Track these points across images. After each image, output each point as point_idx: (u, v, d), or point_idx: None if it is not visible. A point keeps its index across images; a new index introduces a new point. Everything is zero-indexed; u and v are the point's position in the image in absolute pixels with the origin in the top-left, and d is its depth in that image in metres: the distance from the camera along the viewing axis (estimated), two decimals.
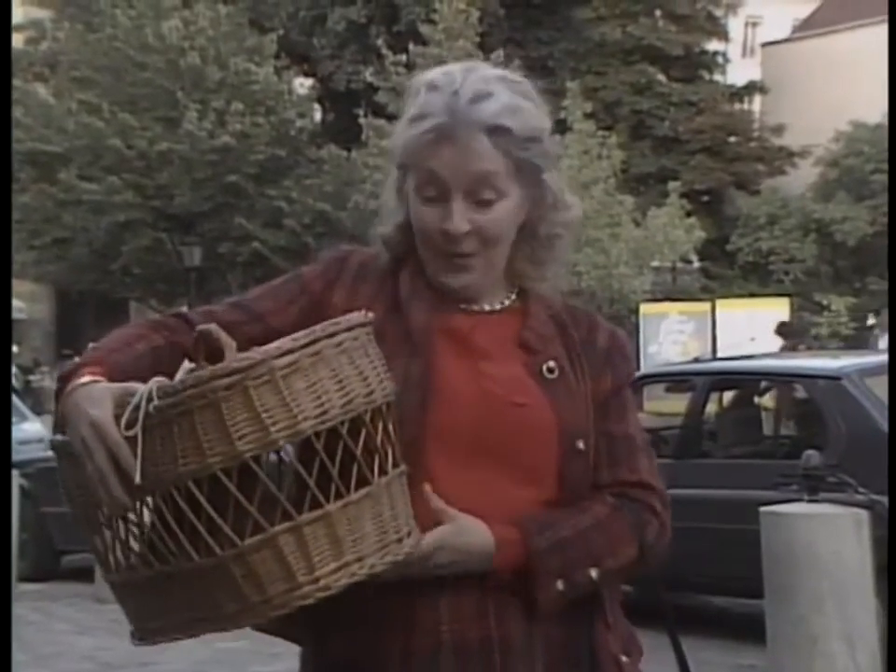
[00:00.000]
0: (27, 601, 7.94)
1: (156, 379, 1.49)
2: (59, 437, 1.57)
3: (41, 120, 25.70)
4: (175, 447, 1.45)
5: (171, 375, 1.60)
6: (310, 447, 1.49)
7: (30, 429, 10.96)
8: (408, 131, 1.69)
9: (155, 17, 26.13)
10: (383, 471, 1.53)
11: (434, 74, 1.71)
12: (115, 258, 26.52)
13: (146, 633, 1.59)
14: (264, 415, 1.44)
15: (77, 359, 1.64)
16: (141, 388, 1.49)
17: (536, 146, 1.69)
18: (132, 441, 1.46)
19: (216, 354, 1.56)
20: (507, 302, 1.76)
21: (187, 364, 1.55)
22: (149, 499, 1.50)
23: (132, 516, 1.52)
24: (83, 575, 8.61)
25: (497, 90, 1.68)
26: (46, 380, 27.87)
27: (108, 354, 1.61)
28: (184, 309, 1.77)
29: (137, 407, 1.46)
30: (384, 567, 1.51)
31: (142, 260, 26.69)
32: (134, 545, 1.55)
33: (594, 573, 1.64)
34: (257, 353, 1.47)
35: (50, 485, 10.68)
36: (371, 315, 1.59)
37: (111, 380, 1.55)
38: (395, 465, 1.56)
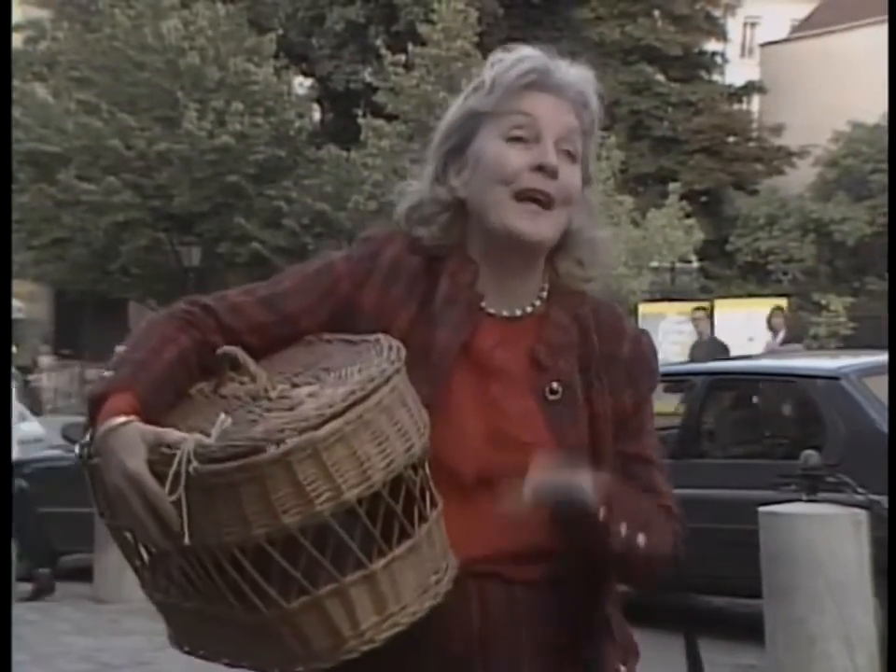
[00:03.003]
0: (25, 601, 7.94)
1: (193, 437, 1.47)
2: (93, 459, 1.56)
3: (40, 120, 25.71)
4: (218, 515, 1.45)
5: (201, 375, 1.61)
6: (353, 509, 1.48)
7: (29, 430, 10.93)
8: (499, 81, 1.68)
9: (154, 17, 26.12)
10: (423, 519, 1.53)
11: (500, 54, 1.73)
12: (114, 258, 26.51)
13: (188, 647, 1.60)
14: (308, 488, 1.44)
15: (106, 374, 1.60)
16: (176, 438, 1.48)
17: (592, 151, 1.73)
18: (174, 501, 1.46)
19: (238, 366, 1.59)
20: (538, 304, 1.72)
21: (223, 417, 1.50)
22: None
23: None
24: (81, 575, 8.59)
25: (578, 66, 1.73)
26: (44, 380, 27.86)
27: (137, 371, 1.58)
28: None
29: (178, 472, 1.45)
30: (424, 612, 1.52)
31: (141, 260, 26.69)
32: (175, 575, 1.55)
33: (641, 540, 1.62)
34: (299, 420, 1.44)
35: (49, 485, 10.58)
36: (403, 351, 1.55)
37: (144, 405, 1.54)
38: (433, 505, 1.55)
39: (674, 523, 1.70)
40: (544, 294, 1.73)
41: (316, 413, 1.45)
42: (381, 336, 1.59)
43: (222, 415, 1.50)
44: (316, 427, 1.44)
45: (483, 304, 1.69)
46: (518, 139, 1.67)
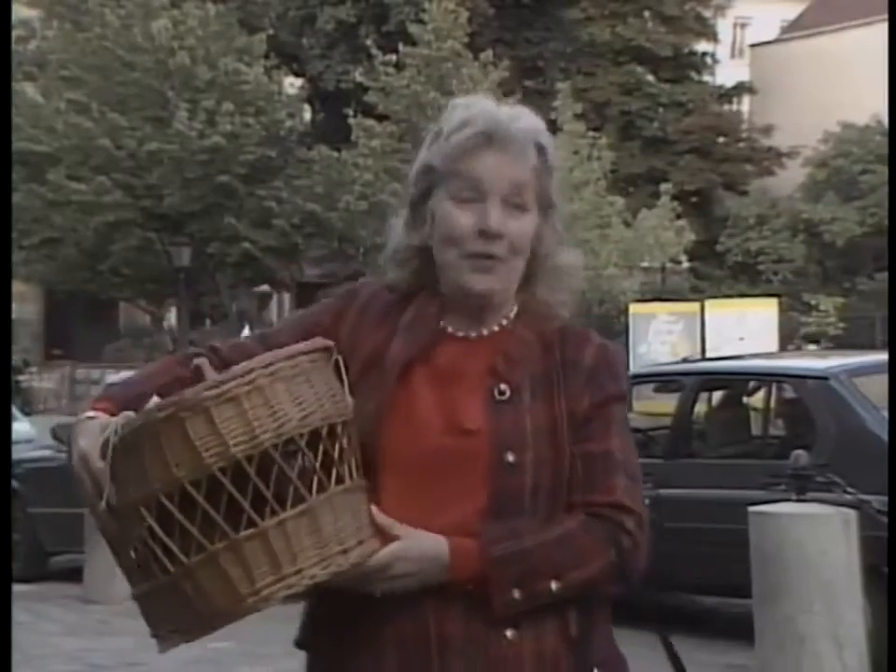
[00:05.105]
0: (16, 602, 7.90)
1: (124, 413, 1.63)
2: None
3: (30, 120, 25.66)
4: (128, 475, 1.59)
5: None
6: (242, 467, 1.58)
7: (19, 430, 10.93)
8: (448, 140, 1.76)
9: (144, 16, 26.09)
10: (322, 488, 1.61)
11: (458, 101, 1.82)
12: (104, 258, 26.48)
13: (157, 638, 1.70)
14: (197, 443, 1.55)
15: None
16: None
17: (552, 182, 1.80)
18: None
19: None
20: (504, 323, 1.80)
21: (154, 399, 1.65)
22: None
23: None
24: (72, 576, 8.58)
25: (530, 114, 1.80)
26: (34, 380, 27.81)
27: (124, 388, 1.77)
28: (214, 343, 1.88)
29: (106, 440, 1.61)
30: (324, 578, 1.59)
31: (131, 260, 26.66)
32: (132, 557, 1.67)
33: (554, 585, 1.68)
34: (201, 387, 1.59)
35: (39, 486, 10.53)
36: (328, 342, 1.69)
37: (120, 409, 1.68)
38: (339, 482, 1.63)
39: (623, 520, 1.72)
40: (512, 315, 1.81)
41: (215, 381, 1.59)
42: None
43: (155, 397, 1.63)
44: (211, 388, 1.57)
45: (446, 326, 1.80)
46: (465, 200, 1.75)
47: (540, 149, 1.77)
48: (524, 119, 1.78)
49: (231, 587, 1.57)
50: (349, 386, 1.71)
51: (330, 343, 1.69)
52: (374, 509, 1.66)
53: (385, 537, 1.66)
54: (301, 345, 1.66)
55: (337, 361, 1.70)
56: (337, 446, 1.63)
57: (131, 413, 1.62)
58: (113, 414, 1.67)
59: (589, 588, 1.72)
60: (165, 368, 1.79)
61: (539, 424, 1.73)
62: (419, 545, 1.66)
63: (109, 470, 1.59)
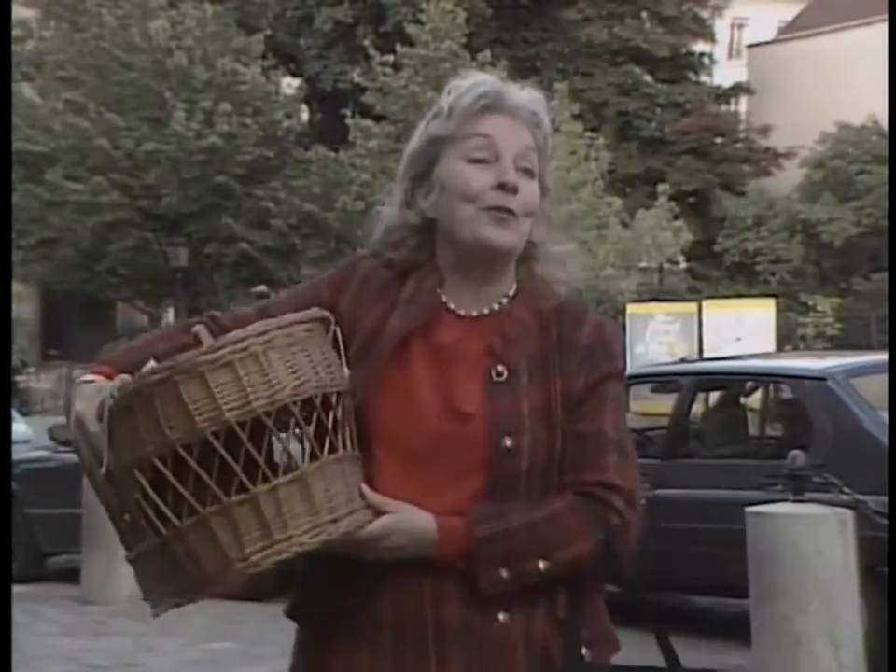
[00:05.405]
0: (13, 602, 7.91)
1: (120, 377, 1.64)
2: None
3: (27, 120, 25.64)
4: (123, 438, 1.60)
5: None
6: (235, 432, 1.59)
7: (16, 430, 10.91)
8: (454, 109, 1.79)
9: (141, 17, 26.09)
10: (314, 457, 1.63)
11: (455, 82, 1.85)
12: (101, 258, 26.47)
13: (148, 602, 1.71)
14: (191, 407, 1.56)
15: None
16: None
17: (549, 162, 1.83)
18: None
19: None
20: (504, 302, 1.81)
21: (151, 363, 1.65)
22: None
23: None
24: (69, 577, 8.58)
25: (530, 88, 1.85)
26: (31, 381, 27.80)
27: (125, 353, 1.77)
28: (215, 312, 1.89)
29: (102, 404, 1.62)
30: (314, 546, 1.61)
31: (128, 261, 26.66)
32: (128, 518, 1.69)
33: (541, 564, 1.69)
34: (197, 352, 1.60)
35: (37, 487, 10.51)
36: (324, 313, 1.70)
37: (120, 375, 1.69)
38: (332, 451, 1.64)
39: (612, 499, 1.73)
40: (511, 293, 1.83)
41: (211, 347, 1.60)
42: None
43: (151, 361, 1.64)
44: (206, 354, 1.58)
45: (447, 302, 1.81)
46: (479, 160, 1.78)
47: (543, 121, 1.82)
48: (527, 90, 1.83)
49: (221, 551, 1.58)
50: (350, 359, 1.73)
51: (327, 313, 1.71)
52: (365, 487, 1.68)
53: (377, 512, 1.68)
54: (296, 315, 1.66)
55: (335, 332, 1.70)
56: (331, 416, 1.64)
57: (127, 377, 1.63)
58: (111, 378, 1.68)
59: (578, 567, 1.73)
60: (166, 335, 1.82)
61: (535, 405, 1.74)
62: (410, 520, 1.69)
63: (106, 434, 1.60)
